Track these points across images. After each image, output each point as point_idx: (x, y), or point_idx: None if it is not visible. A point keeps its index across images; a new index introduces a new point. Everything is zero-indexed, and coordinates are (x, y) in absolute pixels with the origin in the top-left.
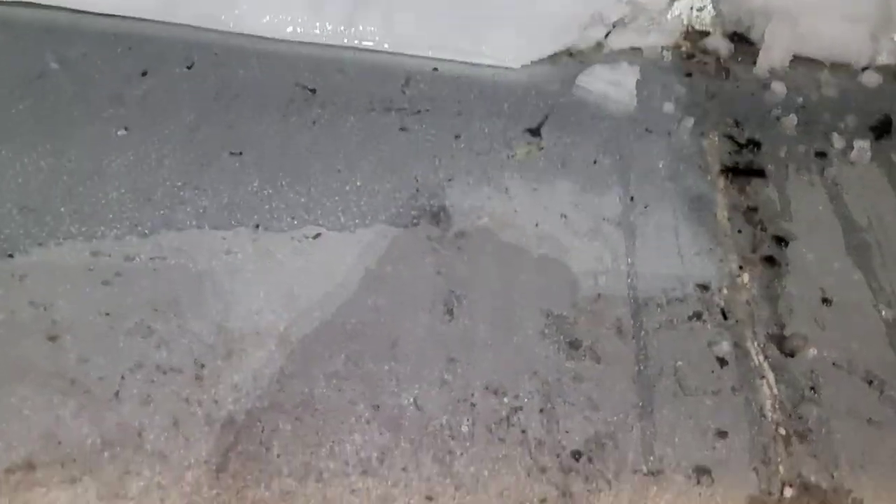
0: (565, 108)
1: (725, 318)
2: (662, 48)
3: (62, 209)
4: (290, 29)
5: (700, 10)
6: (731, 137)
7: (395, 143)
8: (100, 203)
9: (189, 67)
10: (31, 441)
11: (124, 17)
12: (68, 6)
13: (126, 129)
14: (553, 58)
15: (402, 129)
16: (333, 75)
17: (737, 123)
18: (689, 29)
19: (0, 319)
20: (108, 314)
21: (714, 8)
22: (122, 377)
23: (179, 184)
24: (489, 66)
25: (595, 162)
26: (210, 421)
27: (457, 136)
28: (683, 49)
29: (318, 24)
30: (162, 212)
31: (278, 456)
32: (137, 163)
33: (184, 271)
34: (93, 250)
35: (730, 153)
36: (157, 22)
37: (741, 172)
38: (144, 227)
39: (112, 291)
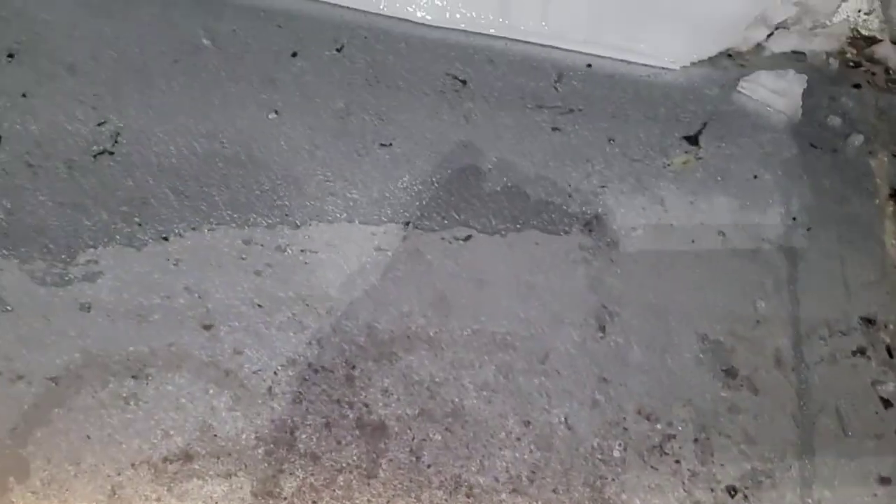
0: (725, 116)
1: (891, 356)
2: (827, 54)
3: (215, 195)
4: (442, 14)
5: (868, 13)
6: None
7: (548, 144)
8: (252, 191)
9: (339, 50)
10: (188, 431)
11: None
12: None
13: (277, 112)
14: (712, 59)
15: (555, 128)
16: (484, 66)
17: None
18: (856, 34)
19: (157, 304)
20: (260, 306)
21: (883, 13)
22: (275, 373)
23: (330, 174)
24: (645, 65)
25: (755, 177)
26: (361, 425)
27: (611, 140)
28: (849, 56)
29: (472, 11)
30: (313, 203)
31: (429, 467)
32: (290, 151)
33: (334, 266)
34: (245, 238)
35: None
36: None
37: None
38: (295, 217)
39: (264, 283)
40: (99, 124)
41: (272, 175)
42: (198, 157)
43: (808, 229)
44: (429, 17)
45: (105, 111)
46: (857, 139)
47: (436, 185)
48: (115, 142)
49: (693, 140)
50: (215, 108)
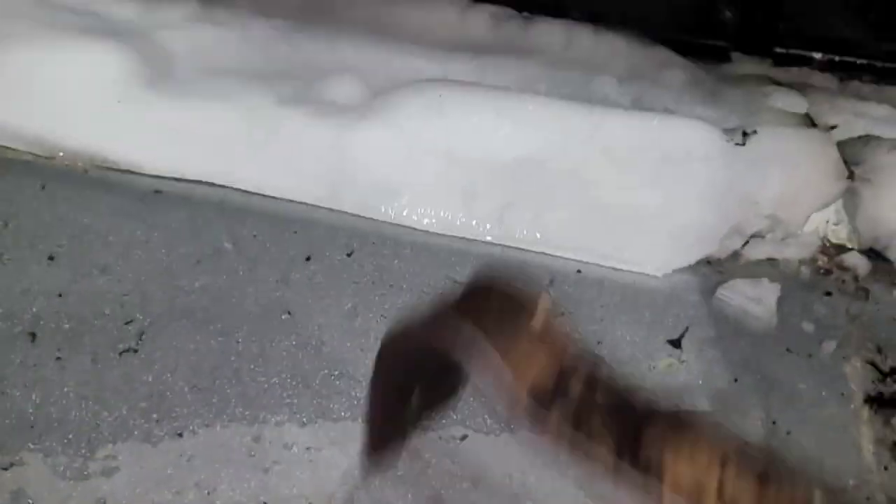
0: (706, 321)
1: None
2: (800, 262)
3: (229, 391)
4: (444, 223)
5: (836, 224)
6: (873, 364)
7: None
8: (262, 387)
9: (349, 255)
10: None
11: (291, 201)
12: (242, 187)
13: (289, 312)
14: (692, 266)
15: None
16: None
17: (879, 350)
18: (826, 243)
19: (168, 499)
20: (266, 503)
21: (850, 223)
22: None
23: (336, 372)
24: (631, 271)
25: (736, 380)
26: None
27: (599, 342)
28: (820, 264)
29: (471, 220)
30: (319, 400)
31: None
32: (299, 347)
33: (337, 465)
34: (254, 435)
35: (873, 382)
36: (323, 207)
37: (886, 404)
38: (303, 415)
39: (270, 481)
40: (126, 323)
41: (282, 371)
42: (214, 354)
43: (788, 433)
44: (433, 226)
45: (132, 310)
46: (831, 345)
47: None
48: (140, 339)
49: (676, 343)
50: (233, 307)
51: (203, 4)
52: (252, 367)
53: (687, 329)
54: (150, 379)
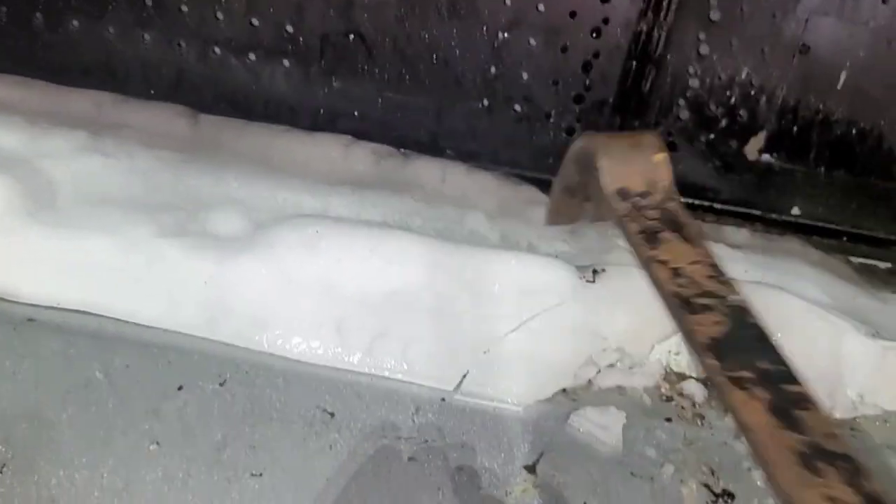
0: (559, 447)
1: None
2: (644, 390)
3: None
4: (316, 354)
5: (677, 354)
6: (707, 486)
7: (404, 474)
8: None
9: (221, 384)
10: None
11: (166, 330)
12: (118, 316)
13: (158, 443)
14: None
15: (411, 458)
16: (351, 399)
17: (712, 472)
18: (668, 370)
19: None
20: None
21: (689, 354)
22: None
23: None
24: (492, 401)
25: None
26: None
27: (459, 468)
28: (663, 391)
29: (343, 351)
30: None
31: None
32: (165, 480)
33: None
34: None
35: (707, 503)
36: (198, 336)
37: None
38: None
39: None
40: None
41: None
42: (76, 489)
43: None
44: (304, 355)
45: None
46: (669, 469)
47: None
48: (1, 473)
49: (531, 469)
50: (99, 440)
51: (92, 135)
52: (115, 501)
53: (542, 455)
54: None
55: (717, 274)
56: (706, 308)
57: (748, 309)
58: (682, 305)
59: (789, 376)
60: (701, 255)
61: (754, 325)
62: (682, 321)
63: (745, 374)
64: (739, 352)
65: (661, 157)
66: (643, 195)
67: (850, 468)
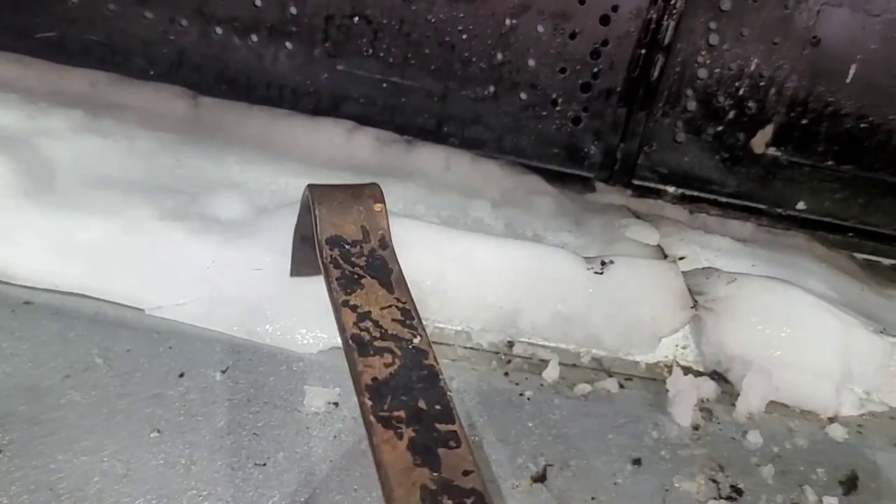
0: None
1: None
2: (650, 382)
3: None
4: (321, 341)
5: (684, 348)
6: (715, 482)
7: None
8: None
9: (224, 371)
10: None
11: (167, 315)
12: (117, 300)
13: (159, 431)
14: None
15: None
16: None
17: (720, 468)
18: (675, 364)
19: None
20: None
21: (696, 347)
22: None
23: (205, 493)
24: None
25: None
26: None
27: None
28: (669, 385)
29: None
30: None
31: None
32: (167, 466)
33: None
34: None
35: (715, 498)
36: (198, 322)
37: None
38: None
39: None
40: None
41: (147, 492)
42: (77, 474)
43: None
44: (309, 344)
45: None
46: (676, 464)
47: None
48: None
49: (540, 476)
50: (100, 425)
51: (90, 115)
52: (116, 487)
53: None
54: (6, 500)
55: (407, 318)
56: (383, 350)
57: (428, 352)
58: (357, 348)
59: (445, 416)
60: (396, 301)
61: (428, 366)
62: (352, 363)
63: (398, 413)
64: (400, 392)
65: (380, 207)
66: (355, 243)
67: None
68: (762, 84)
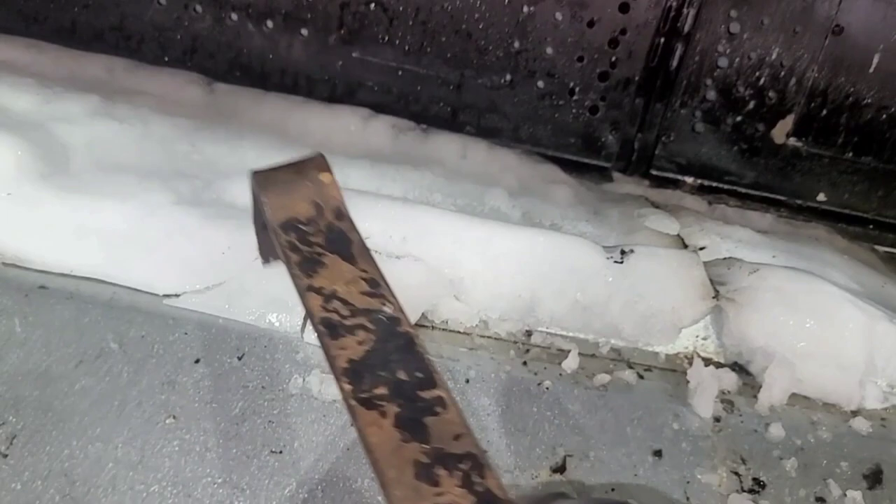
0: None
1: None
2: (671, 374)
3: (104, 500)
4: None
5: (705, 339)
6: (737, 474)
7: None
8: (140, 496)
9: (239, 358)
10: None
11: (182, 301)
12: (132, 286)
13: (174, 417)
14: None
15: None
16: None
17: (742, 460)
18: (695, 355)
19: None
20: None
21: (717, 339)
22: None
23: (220, 480)
24: None
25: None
26: None
27: (489, 442)
28: (689, 376)
29: None
30: None
31: None
32: (182, 453)
33: None
34: None
35: (737, 491)
36: (214, 309)
37: None
38: None
39: None
40: None
41: (162, 479)
42: (90, 461)
43: None
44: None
45: (3, 412)
46: (698, 456)
47: (318, 492)
48: (11, 444)
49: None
50: (113, 411)
51: (105, 100)
52: (131, 474)
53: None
54: (19, 487)
55: (374, 288)
56: (355, 328)
57: (400, 318)
58: (328, 332)
59: (427, 382)
60: (361, 272)
61: (403, 334)
62: (326, 349)
63: (379, 391)
64: (377, 368)
65: (328, 177)
66: (310, 221)
67: (469, 468)
68: (783, 74)
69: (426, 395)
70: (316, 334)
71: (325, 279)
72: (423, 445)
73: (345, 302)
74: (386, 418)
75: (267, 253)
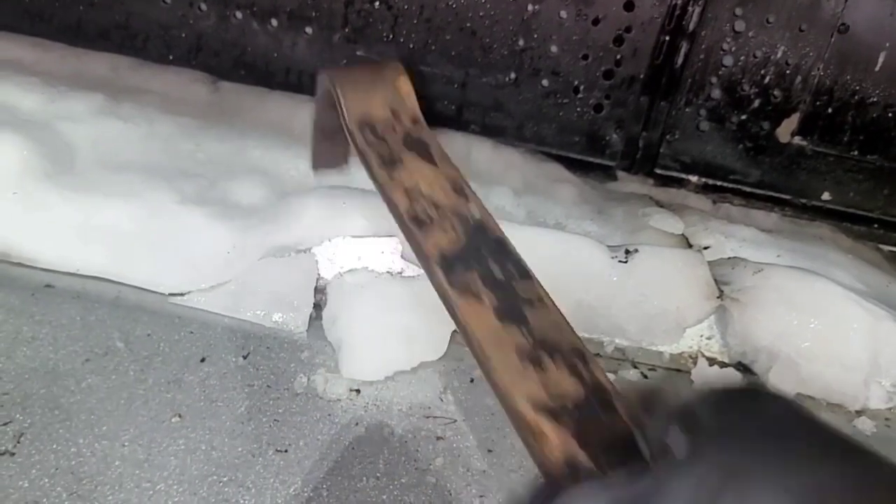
0: None
1: None
2: (675, 373)
3: (110, 498)
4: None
5: (710, 338)
6: None
7: (433, 452)
8: (146, 494)
9: (245, 357)
10: None
11: (188, 300)
12: (138, 284)
13: (180, 416)
14: None
15: (439, 437)
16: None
17: None
18: (700, 354)
19: None
20: None
21: (722, 338)
22: None
23: (225, 478)
24: None
25: None
26: None
27: (489, 450)
28: (694, 375)
29: None
30: None
31: None
32: (188, 451)
33: None
34: None
35: None
36: (219, 307)
37: None
38: None
39: None
40: (3, 424)
41: (168, 477)
42: (97, 459)
43: None
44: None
45: (11, 410)
46: None
47: (324, 492)
48: (18, 442)
49: None
50: (119, 409)
51: (110, 99)
52: (137, 472)
53: None
54: (27, 484)
55: (458, 191)
56: (443, 224)
57: (489, 221)
58: (415, 224)
59: (524, 275)
60: (444, 174)
61: (493, 234)
62: (412, 239)
63: (475, 281)
64: (471, 261)
65: (405, 83)
66: (387, 122)
67: (575, 358)
68: (788, 72)
69: (523, 288)
70: (401, 227)
71: (409, 177)
72: (525, 333)
73: (430, 200)
74: (483, 306)
75: (322, 162)
